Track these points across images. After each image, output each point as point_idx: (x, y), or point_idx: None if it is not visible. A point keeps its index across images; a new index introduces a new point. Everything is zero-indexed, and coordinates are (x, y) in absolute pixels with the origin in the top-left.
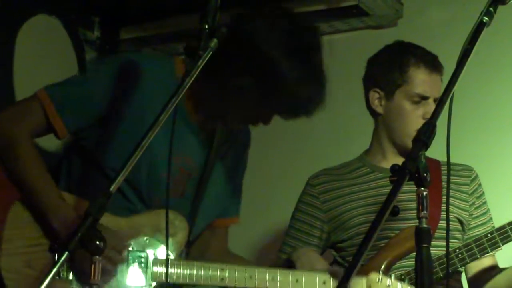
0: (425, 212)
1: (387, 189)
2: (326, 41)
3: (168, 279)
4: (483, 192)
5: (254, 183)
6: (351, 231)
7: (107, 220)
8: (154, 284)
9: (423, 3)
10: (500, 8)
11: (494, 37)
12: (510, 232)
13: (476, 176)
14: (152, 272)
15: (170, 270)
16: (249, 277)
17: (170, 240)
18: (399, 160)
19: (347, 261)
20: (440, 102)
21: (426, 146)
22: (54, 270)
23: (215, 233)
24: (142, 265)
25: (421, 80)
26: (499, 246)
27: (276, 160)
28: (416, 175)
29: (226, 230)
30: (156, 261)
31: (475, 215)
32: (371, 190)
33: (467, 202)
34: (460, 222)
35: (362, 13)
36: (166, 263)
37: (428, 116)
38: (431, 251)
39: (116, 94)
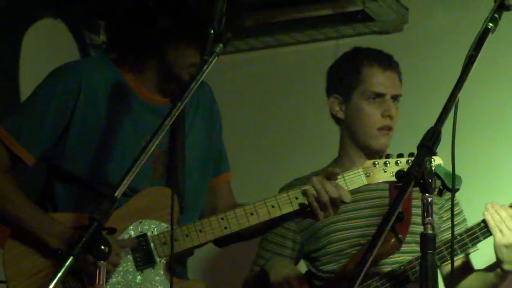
0: (430, 218)
1: (357, 196)
2: (332, 46)
3: (175, 250)
4: (457, 203)
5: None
6: (323, 240)
7: None
8: (163, 260)
9: (429, 8)
10: (505, 14)
11: (499, 43)
12: (478, 233)
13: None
14: (157, 249)
15: (175, 241)
16: (250, 214)
17: (163, 214)
18: None
19: (321, 270)
20: (445, 108)
21: (431, 151)
22: (59, 274)
23: (216, 192)
24: (144, 247)
25: (375, 78)
26: (469, 248)
27: (265, 164)
28: (421, 181)
29: (226, 186)
30: (156, 238)
31: (445, 218)
32: None
33: (437, 204)
34: None
35: (367, 18)
36: (171, 235)
37: (387, 113)
38: (403, 257)
39: (66, 106)
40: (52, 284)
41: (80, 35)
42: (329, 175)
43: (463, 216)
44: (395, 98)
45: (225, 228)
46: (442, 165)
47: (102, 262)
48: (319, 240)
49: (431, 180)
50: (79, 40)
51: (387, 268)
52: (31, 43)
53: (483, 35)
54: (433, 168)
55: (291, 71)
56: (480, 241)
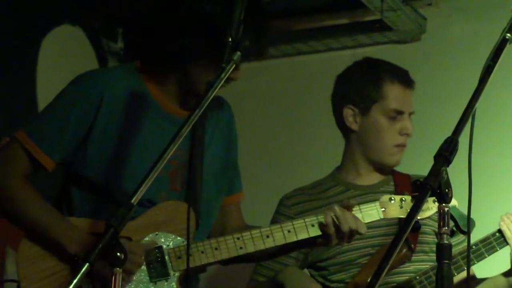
0: (446, 228)
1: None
2: (349, 55)
3: (189, 265)
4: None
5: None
6: (332, 250)
7: None
8: (177, 273)
9: (447, 18)
10: None
11: None
12: (494, 243)
13: None
14: (172, 262)
15: (190, 256)
16: (266, 236)
17: (179, 228)
18: (374, 177)
19: (329, 280)
20: (462, 118)
21: (448, 161)
22: (75, 281)
23: (227, 211)
24: (159, 259)
25: (396, 95)
26: (485, 257)
27: (278, 172)
28: (438, 190)
29: (237, 207)
30: (171, 251)
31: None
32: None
33: None
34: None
35: (385, 28)
36: (187, 249)
37: (406, 131)
38: (413, 266)
39: (87, 113)
40: None
41: (98, 42)
42: (346, 206)
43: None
44: (411, 114)
45: (241, 248)
46: (457, 206)
47: (118, 269)
48: (327, 250)
49: (448, 189)
50: (97, 47)
51: (396, 278)
52: (49, 50)
53: (501, 45)
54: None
55: (308, 79)
56: (496, 251)
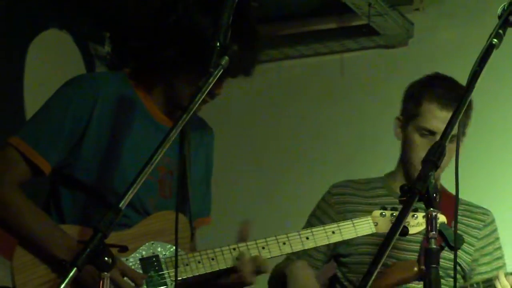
0: (433, 233)
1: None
2: (336, 60)
3: (186, 274)
4: (497, 239)
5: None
6: (352, 247)
7: (113, 236)
8: (173, 283)
9: (434, 23)
10: (510, 30)
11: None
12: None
13: (492, 222)
14: (169, 271)
15: (186, 266)
16: (262, 248)
17: (174, 238)
18: None
19: (346, 277)
20: (449, 124)
21: (436, 166)
22: (63, 286)
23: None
24: (157, 268)
25: (431, 114)
26: None
27: (266, 176)
28: (426, 195)
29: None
30: (169, 260)
31: (482, 262)
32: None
33: (473, 246)
34: (460, 264)
35: (372, 32)
36: (175, 259)
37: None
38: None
39: (82, 114)
40: None
41: (85, 46)
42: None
43: (499, 263)
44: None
45: (237, 259)
46: (445, 222)
47: (106, 273)
48: (351, 246)
49: (436, 194)
50: (84, 51)
51: None
52: (36, 54)
53: (488, 51)
54: (437, 226)
55: (295, 84)
56: None
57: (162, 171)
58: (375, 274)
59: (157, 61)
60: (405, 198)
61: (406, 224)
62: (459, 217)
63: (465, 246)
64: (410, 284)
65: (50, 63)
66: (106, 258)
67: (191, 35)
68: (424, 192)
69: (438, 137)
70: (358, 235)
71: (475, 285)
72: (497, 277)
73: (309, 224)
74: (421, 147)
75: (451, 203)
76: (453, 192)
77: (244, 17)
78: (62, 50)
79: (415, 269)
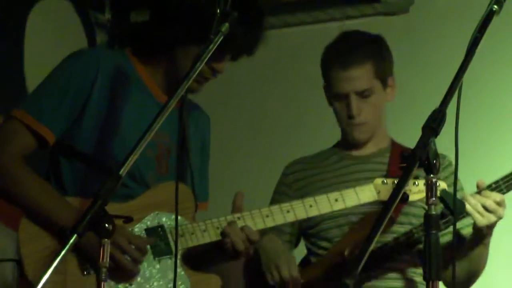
0: (434, 199)
1: (353, 176)
2: (337, 27)
3: (192, 243)
4: (457, 180)
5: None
6: (317, 218)
7: (117, 207)
8: (180, 251)
9: None
10: None
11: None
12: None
13: (449, 165)
14: (174, 240)
15: (191, 235)
16: (266, 216)
17: (181, 208)
18: (371, 147)
19: (317, 245)
20: (449, 90)
21: (436, 133)
22: (63, 252)
23: None
24: (162, 237)
25: (337, 79)
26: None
27: (265, 147)
28: (426, 161)
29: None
30: (173, 229)
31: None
32: (339, 177)
33: None
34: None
35: (373, 0)
36: (176, 232)
37: (349, 113)
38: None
39: (84, 85)
40: (56, 262)
41: (85, 14)
42: (231, 221)
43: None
44: (361, 94)
45: (243, 228)
46: (446, 189)
47: (106, 240)
48: (314, 218)
49: (436, 161)
50: (85, 19)
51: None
52: (36, 22)
53: (488, 17)
54: (438, 193)
55: (295, 51)
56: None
57: (161, 148)
58: (375, 239)
59: (162, 36)
60: (405, 165)
61: (407, 191)
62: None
63: None
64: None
65: (50, 31)
66: (106, 225)
67: (195, 10)
68: (424, 159)
69: (352, 98)
70: (361, 203)
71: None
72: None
73: None
74: (340, 112)
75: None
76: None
77: None
78: (62, 18)
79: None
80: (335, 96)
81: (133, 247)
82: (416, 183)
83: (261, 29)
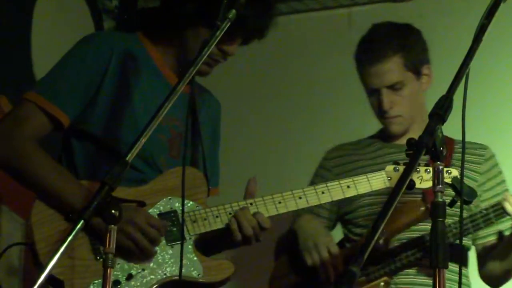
0: (440, 186)
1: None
2: (345, 14)
3: (204, 228)
4: (500, 173)
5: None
6: (355, 202)
7: (130, 192)
8: (192, 237)
9: None
10: None
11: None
12: (505, 209)
13: (491, 156)
14: (188, 226)
15: (204, 221)
16: (278, 202)
17: (193, 193)
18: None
19: (353, 232)
20: (456, 77)
21: (443, 120)
22: (70, 238)
23: None
24: (175, 223)
25: (366, 74)
26: (493, 222)
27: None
28: (433, 149)
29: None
30: (187, 215)
31: (484, 198)
32: (379, 165)
33: (476, 181)
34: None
35: None
36: (182, 216)
37: (382, 108)
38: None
39: (98, 68)
40: (63, 247)
41: (93, 0)
42: (243, 208)
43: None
44: (391, 87)
45: (255, 214)
46: (458, 176)
47: (112, 226)
48: (352, 202)
49: (442, 148)
50: (92, 5)
51: (415, 234)
52: (44, 8)
53: (495, 3)
54: (450, 181)
55: (303, 37)
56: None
57: (173, 132)
58: (382, 226)
59: (174, 19)
60: (412, 152)
61: (419, 178)
62: (457, 155)
63: (468, 180)
64: (417, 226)
65: (58, 17)
66: (113, 211)
67: None
68: (431, 146)
69: (383, 92)
70: (373, 189)
71: (484, 211)
72: (504, 199)
73: None
74: (374, 106)
75: (448, 146)
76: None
77: None
78: (70, 5)
79: (422, 208)
80: (369, 91)
81: (151, 228)
82: (428, 170)
83: (271, 13)
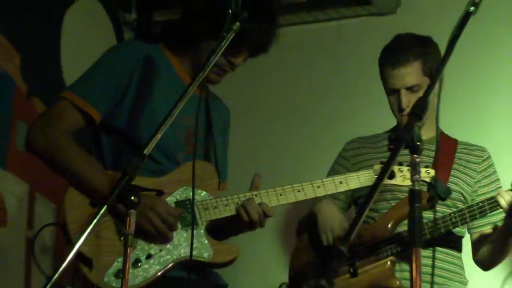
0: (417, 176)
1: (400, 159)
2: (335, 26)
3: (215, 216)
4: (494, 172)
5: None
6: (366, 189)
7: (151, 182)
8: (204, 223)
9: None
10: None
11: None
12: (498, 203)
13: (488, 157)
14: (200, 213)
15: (215, 209)
16: (279, 195)
17: (206, 184)
18: (423, 134)
19: (367, 215)
20: (432, 82)
21: (420, 118)
22: (95, 221)
23: None
24: (189, 210)
25: (388, 76)
26: (487, 214)
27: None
28: (410, 144)
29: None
30: (199, 203)
31: (480, 193)
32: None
33: (473, 178)
34: (462, 194)
35: (365, 2)
36: (192, 206)
37: (400, 107)
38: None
39: (127, 71)
40: (89, 228)
41: (114, 13)
42: (249, 199)
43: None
44: (410, 89)
45: (260, 204)
46: (436, 176)
47: (132, 210)
48: (364, 188)
49: (419, 143)
50: (113, 18)
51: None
52: (71, 21)
53: (465, 17)
54: (428, 180)
55: (299, 47)
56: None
57: (189, 132)
58: (367, 210)
59: (190, 32)
60: (392, 146)
61: (402, 176)
62: (459, 154)
63: (466, 178)
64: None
65: (84, 28)
66: (132, 198)
67: (216, 11)
68: (409, 141)
69: (402, 93)
70: (362, 185)
71: (480, 204)
72: (499, 194)
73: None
74: (393, 105)
75: (451, 146)
76: (453, 136)
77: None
78: (94, 17)
79: (425, 199)
80: (389, 91)
81: (169, 216)
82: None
83: (274, 28)
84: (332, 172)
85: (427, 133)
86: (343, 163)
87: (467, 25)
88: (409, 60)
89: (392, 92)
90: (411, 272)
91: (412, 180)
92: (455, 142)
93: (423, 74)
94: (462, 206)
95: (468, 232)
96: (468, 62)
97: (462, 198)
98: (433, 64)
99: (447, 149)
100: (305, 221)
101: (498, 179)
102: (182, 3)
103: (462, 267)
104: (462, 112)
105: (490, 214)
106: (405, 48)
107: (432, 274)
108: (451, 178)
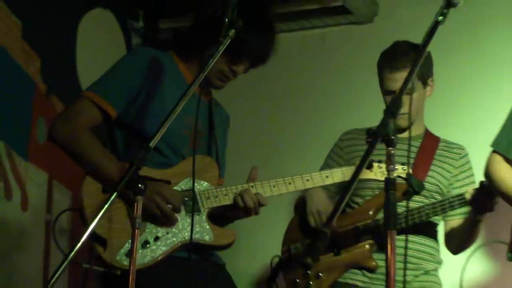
0: (392, 166)
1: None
2: (318, 34)
3: (215, 203)
4: (470, 168)
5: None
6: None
7: (159, 173)
8: (206, 210)
9: (395, 3)
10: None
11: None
12: (466, 199)
13: (465, 155)
14: (202, 201)
15: (215, 198)
16: (272, 186)
17: (207, 176)
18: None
19: (352, 200)
20: (404, 84)
21: (394, 115)
22: (106, 206)
23: None
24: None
25: (386, 78)
26: (455, 209)
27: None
28: (386, 137)
29: None
30: (202, 192)
31: (455, 186)
32: (379, 150)
33: (451, 173)
34: (439, 187)
35: (346, 12)
36: (193, 197)
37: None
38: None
39: (142, 73)
40: (101, 212)
41: (124, 22)
42: (246, 189)
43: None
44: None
45: (256, 194)
46: (410, 172)
47: (139, 197)
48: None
49: (394, 137)
50: (122, 25)
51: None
52: (85, 29)
53: (435, 26)
54: (404, 175)
55: (286, 53)
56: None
57: (193, 129)
58: (347, 199)
59: (196, 42)
60: (370, 140)
61: (381, 172)
62: (440, 151)
63: (443, 172)
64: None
65: (96, 34)
66: (139, 185)
67: (217, 22)
68: (385, 135)
69: (397, 93)
70: (346, 179)
71: (451, 199)
72: (467, 191)
73: (326, 164)
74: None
75: (433, 143)
76: (436, 134)
77: (262, 11)
78: (106, 25)
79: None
80: (385, 91)
81: (173, 198)
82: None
83: (272, 39)
84: (329, 159)
85: (415, 130)
86: (338, 152)
87: (467, 27)
88: (406, 66)
89: (388, 93)
90: (386, 253)
91: (387, 170)
92: (437, 139)
93: (417, 78)
94: (439, 197)
95: (443, 220)
96: (468, 63)
97: (439, 190)
98: (426, 70)
99: (429, 145)
100: (297, 204)
101: (473, 175)
102: (193, 13)
103: (437, 250)
104: (462, 112)
105: (458, 207)
106: (403, 54)
107: (405, 255)
108: (430, 172)
